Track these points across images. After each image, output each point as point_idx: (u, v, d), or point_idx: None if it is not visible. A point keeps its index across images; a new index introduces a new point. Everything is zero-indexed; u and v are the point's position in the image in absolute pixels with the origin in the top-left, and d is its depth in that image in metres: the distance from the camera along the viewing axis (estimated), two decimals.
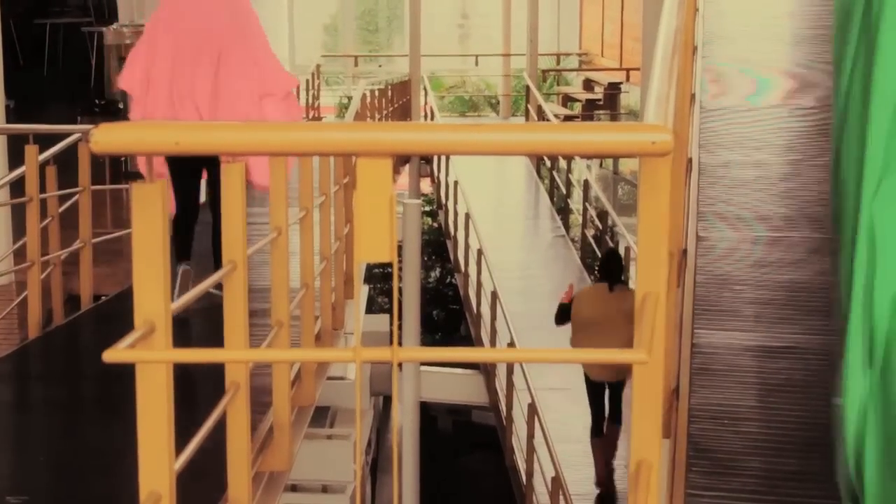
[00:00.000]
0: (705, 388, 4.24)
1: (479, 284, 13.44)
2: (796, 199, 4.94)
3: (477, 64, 24.98)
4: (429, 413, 15.68)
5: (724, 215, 4.84)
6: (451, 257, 16.57)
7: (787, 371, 4.36)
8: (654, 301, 2.24)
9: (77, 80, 19.47)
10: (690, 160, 4.93)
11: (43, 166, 7.85)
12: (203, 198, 7.96)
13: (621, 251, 15.14)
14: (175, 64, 7.43)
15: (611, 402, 10.18)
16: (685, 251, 4.61)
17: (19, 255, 8.13)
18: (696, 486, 3.94)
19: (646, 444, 2.29)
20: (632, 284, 12.79)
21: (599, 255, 15.32)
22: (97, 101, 14.37)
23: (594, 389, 10.23)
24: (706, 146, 5.14)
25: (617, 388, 10.20)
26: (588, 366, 10.21)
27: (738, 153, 5.16)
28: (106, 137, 2.15)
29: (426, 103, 20.15)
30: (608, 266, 10.19)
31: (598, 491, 10.30)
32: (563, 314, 10.26)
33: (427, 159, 18.17)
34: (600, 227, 15.50)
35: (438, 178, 18.36)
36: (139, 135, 2.18)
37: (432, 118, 20.30)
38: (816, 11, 5.95)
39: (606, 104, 22.18)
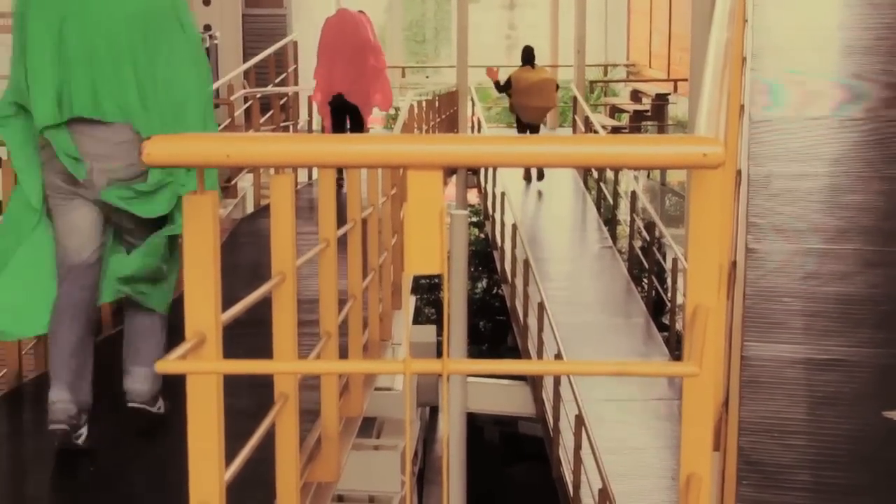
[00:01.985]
0: (755, 401, 4.22)
1: (526, 295, 13.43)
2: (846, 211, 4.92)
3: None
4: (475, 424, 15.67)
5: (774, 227, 4.82)
6: (498, 268, 16.57)
7: (837, 384, 4.34)
8: (705, 314, 2.23)
9: None
10: (740, 172, 4.92)
11: None
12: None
13: (668, 263, 15.11)
14: (333, 69, 13.68)
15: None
16: (734, 263, 4.59)
17: None
18: (746, 499, 3.92)
19: (696, 457, 2.28)
20: (680, 298, 12.78)
21: (647, 266, 15.30)
22: None
23: (522, 128, 18.56)
24: (755, 158, 5.12)
25: (535, 130, 18.57)
26: (522, 112, 18.49)
27: (787, 165, 5.14)
28: (159, 150, 2.16)
29: (473, 114, 20.15)
30: (527, 55, 18.54)
31: None
32: (502, 88, 18.55)
33: (474, 170, 18.17)
34: (647, 238, 15.46)
35: (485, 188, 18.37)
36: (191, 147, 2.19)
37: (479, 129, 20.30)
38: (867, 23, 5.92)
39: (654, 115, 22.12)
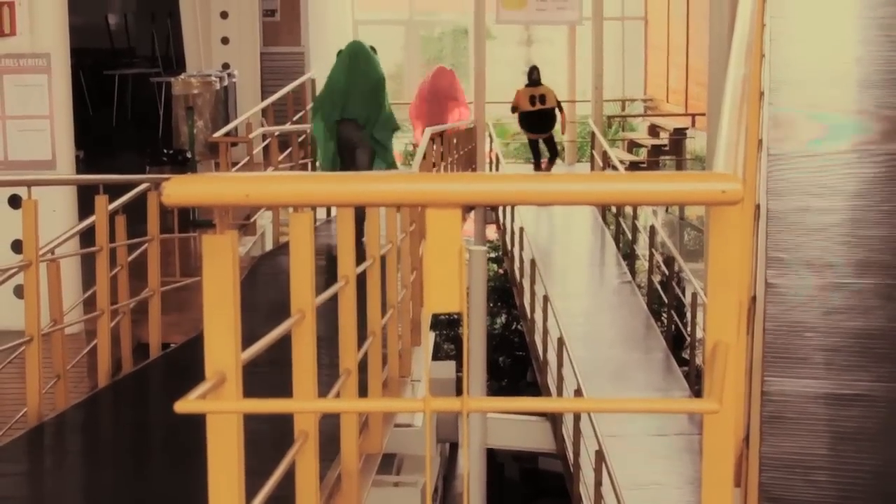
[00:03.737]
0: (776, 437, 4.20)
1: (546, 331, 13.41)
2: (867, 245, 4.90)
3: None
4: (495, 460, 15.63)
5: (794, 262, 4.81)
6: (517, 304, 16.55)
7: (859, 419, 4.31)
8: (725, 350, 2.23)
9: (145, 129, 19.68)
10: (758, 206, 4.91)
11: (112, 216, 7.94)
12: None
13: (688, 297, 15.08)
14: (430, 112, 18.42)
15: (547, 146, 20.41)
16: (754, 298, 4.58)
17: (89, 303, 8.20)
18: None
19: (717, 494, 2.27)
20: (700, 332, 12.75)
21: (666, 300, 15.27)
22: (165, 151, 14.51)
23: (532, 142, 20.44)
24: (774, 192, 5.11)
25: (548, 140, 20.37)
26: (525, 123, 20.12)
27: (806, 199, 5.13)
28: (177, 190, 2.17)
29: (491, 150, 20.17)
30: (532, 77, 20.01)
31: None
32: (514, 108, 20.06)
33: (493, 206, 18.18)
34: (666, 272, 15.43)
35: (504, 224, 18.37)
36: (209, 187, 2.20)
37: (497, 165, 20.32)
38: (885, 56, 5.91)
39: (672, 150, 22.11)
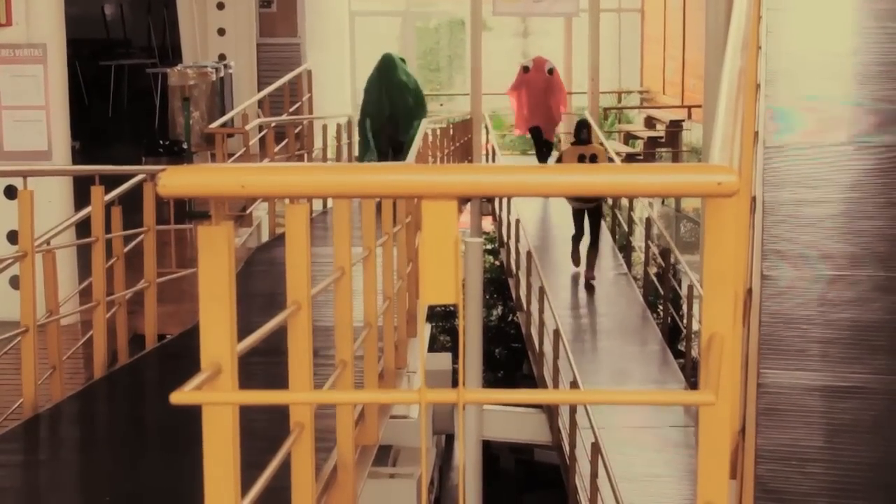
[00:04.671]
0: (772, 429, 4.20)
1: (542, 323, 13.42)
2: (862, 237, 4.90)
3: None
4: (491, 452, 15.64)
5: (790, 254, 4.81)
6: (513, 295, 16.55)
7: (855, 411, 4.32)
8: (721, 342, 2.23)
9: (141, 120, 19.66)
10: (754, 198, 4.91)
11: (108, 207, 7.93)
12: None
13: (684, 289, 15.08)
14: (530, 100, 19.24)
15: (591, 221, 16.06)
16: (750, 290, 4.58)
17: (85, 294, 8.20)
18: None
19: (713, 486, 2.27)
20: (696, 324, 12.76)
21: (662, 292, 15.27)
22: (161, 142, 14.49)
23: (577, 215, 15.99)
24: (770, 184, 5.11)
25: (595, 212, 16.12)
26: (570, 196, 14.32)
27: (802, 191, 5.13)
28: (173, 181, 2.17)
29: (487, 142, 20.16)
30: (580, 135, 16.12)
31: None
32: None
33: (489, 198, 18.17)
34: (663, 264, 15.44)
35: (500, 216, 18.37)
36: (205, 178, 2.20)
37: (494, 157, 20.31)
38: (881, 48, 5.91)
39: (668, 142, 22.11)
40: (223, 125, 13.75)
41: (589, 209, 15.88)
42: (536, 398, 2.22)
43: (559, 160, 16.03)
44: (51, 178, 9.62)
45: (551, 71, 19.76)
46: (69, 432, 6.87)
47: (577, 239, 16.06)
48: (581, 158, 15.64)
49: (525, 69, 19.76)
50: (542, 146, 19.88)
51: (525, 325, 14.87)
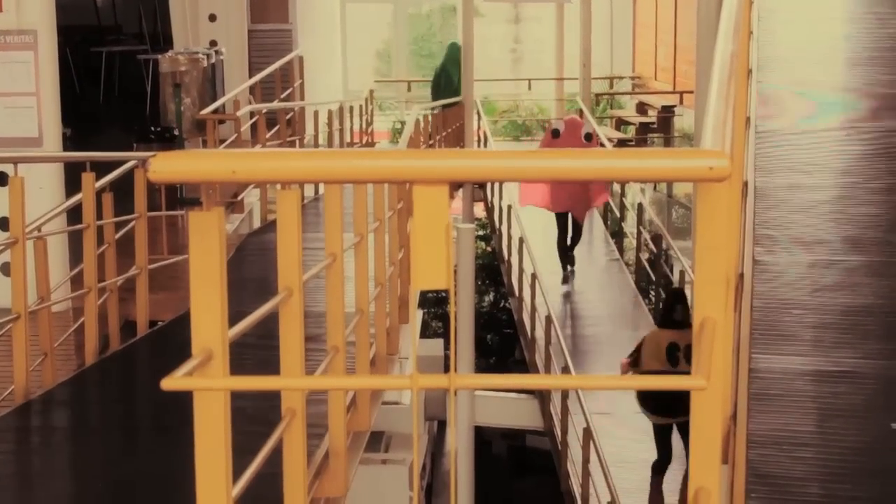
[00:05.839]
0: (764, 413, 4.21)
1: (534, 309, 13.42)
2: (854, 222, 4.91)
3: (530, 88, 24.96)
4: (483, 437, 15.64)
5: (782, 238, 4.81)
6: (505, 282, 16.55)
7: (846, 396, 4.32)
8: (713, 327, 2.23)
9: (132, 107, 19.62)
10: (746, 183, 4.91)
11: (99, 193, 7.92)
12: None
13: (676, 275, 15.10)
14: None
15: (682, 434, 9.98)
16: (742, 275, 4.58)
17: (76, 281, 8.19)
18: None
19: (705, 471, 2.28)
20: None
21: (654, 278, 15.28)
22: (152, 128, 14.46)
23: (660, 431, 10.18)
24: (762, 169, 5.12)
25: (684, 427, 9.64)
26: (648, 406, 10.15)
27: (794, 176, 5.13)
28: (163, 166, 2.16)
29: (479, 128, 20.15)
30: (673, 314, 10.14)
31: None
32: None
33: (480, 184, 18.16)
34: (654, 250, 15.44)
35: (492, 202, 18.36)
36: (196, 164, 2.19)
37: (486, 143, 20.30)
38: (872, 34, 5.91)
39: (660, 127, 22.12)
40: (214, 111, 13.73)
41: (679, 423, 10.03)
42: (528, 383, 2.22)
43: (638, 349, 10.26)
44: (42, 164, 9.61)
45: (589, 137, 15.34)
46: (61, 419, 6.86)
47: (658, 468, 10.47)
48: (672, 350, 9.98)
49: (555, 133, 15.32)
50: (567, 227, 15.65)
51: (517, 312, 14.87)
